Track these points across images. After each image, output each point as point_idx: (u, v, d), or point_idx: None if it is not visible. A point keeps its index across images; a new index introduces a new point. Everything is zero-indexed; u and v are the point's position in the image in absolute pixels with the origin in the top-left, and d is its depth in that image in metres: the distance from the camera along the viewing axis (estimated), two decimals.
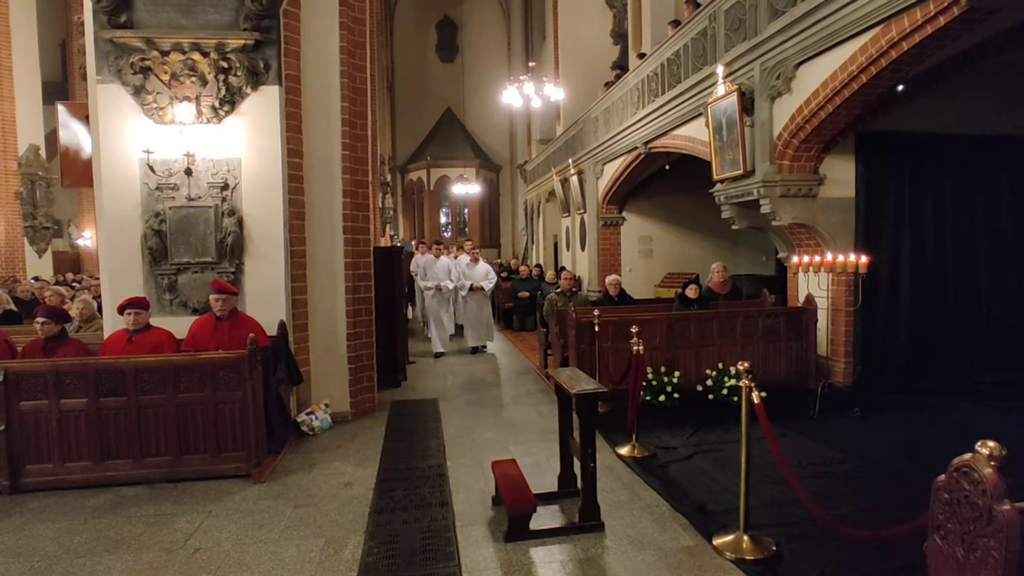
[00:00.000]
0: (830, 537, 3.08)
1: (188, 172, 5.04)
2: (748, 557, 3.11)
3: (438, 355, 9.35)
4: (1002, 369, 6.60)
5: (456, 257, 11.47)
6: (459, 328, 10.65)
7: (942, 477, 1.97)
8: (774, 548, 3.18)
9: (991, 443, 1.83)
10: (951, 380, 6.39)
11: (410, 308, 11.23)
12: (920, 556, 2.10)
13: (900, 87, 5.59)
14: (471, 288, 9.57)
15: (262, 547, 3.39)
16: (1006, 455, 1.81)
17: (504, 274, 13.79)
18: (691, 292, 6.81)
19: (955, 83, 6.15)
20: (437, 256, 9.95)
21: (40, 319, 4.60)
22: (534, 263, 15.19)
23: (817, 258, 5.73)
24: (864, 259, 5.44)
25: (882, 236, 6.44)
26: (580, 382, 3.68)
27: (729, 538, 3.26)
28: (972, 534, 1.84)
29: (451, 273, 9.75)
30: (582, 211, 12.42)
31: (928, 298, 6.57)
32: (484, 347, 9.83)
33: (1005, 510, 1.74)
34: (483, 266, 9.92)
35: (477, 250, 10.20)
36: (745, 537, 3.21)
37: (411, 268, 10.80)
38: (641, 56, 9.66)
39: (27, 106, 13.60)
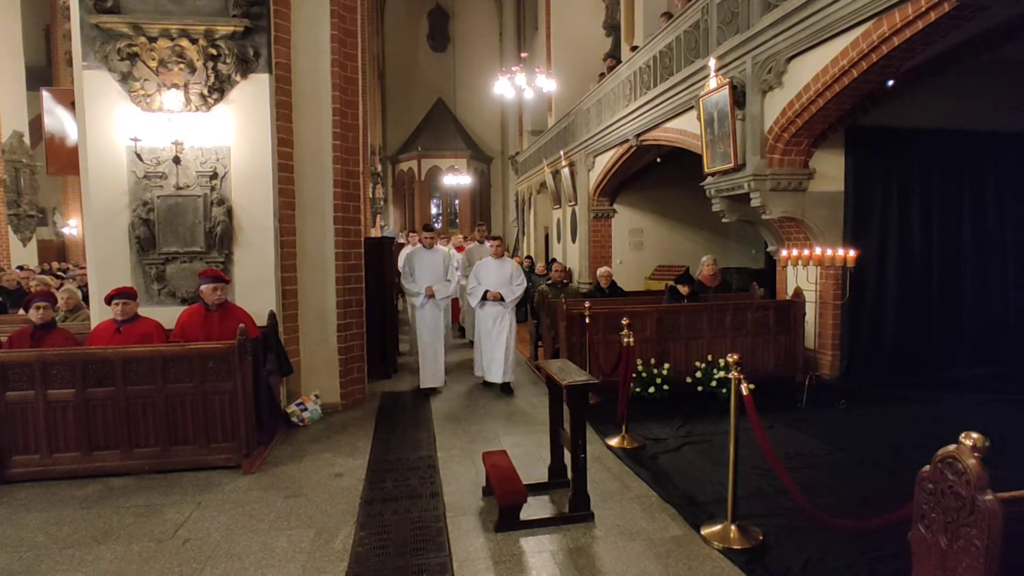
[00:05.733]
0: (817, 527, 3.12)
1: (176, 161, 4.98)
2: (736, 547, 3.15)
3: (427, 392, 6.46)
4: (985, 363, 6.69)
5: (462, 249, 9.47)
6: (461, 330, 9.44)
7: (927, 468, 2.00)
8: (761, 538, 3.22)
9: (975, 435, 1.86)
10: (936, 373, 6.47)
11: (400, 299, 10.06)
12: (904, 545, 2.13)
13: (890, 83, 5.63)
14: (484, 298, 6.56)
15: (252, 537, 3.39)
16: (989, 447, 1.85)
17: None
18: (682, 290, 6.77)
19: (943, 80, 6.20)
20: (429, 246, 6.78)
21: (39, 303, 4.57)
22: (525, 255, 15.17)
23: (806, 252, 5.78)
24: (852, 253, 5.49)
25: (870, 231, 6.51)
26: (571, 373, 3.69)
27: (717, 528, 3.30)
28: (955, 523, 1.87)
29: (448, 272, 6.77)
30: (573, 203, 12.41)
31: (914, 292, 6.66)
32: (508, 385, 6.58)
33: (988, 500, 1.77)
34: (509, 265, 6.74)
35: (499, 241, 6.93)
36: (733, 527, 3.25)
37: (399, 265, 8.28)
38: (634, 48, 9.63)
39: (11, 92, 13.34)
